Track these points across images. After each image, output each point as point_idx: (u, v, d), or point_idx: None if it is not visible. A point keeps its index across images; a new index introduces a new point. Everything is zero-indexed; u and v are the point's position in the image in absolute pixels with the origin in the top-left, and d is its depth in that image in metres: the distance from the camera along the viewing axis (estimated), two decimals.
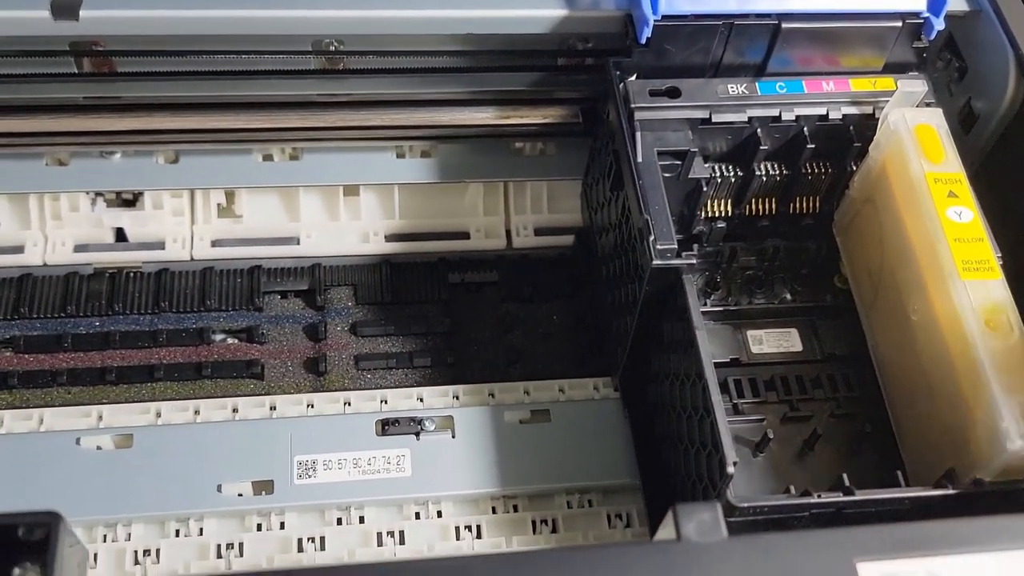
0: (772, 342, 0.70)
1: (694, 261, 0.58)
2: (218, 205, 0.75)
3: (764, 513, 0.54)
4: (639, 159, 0.63)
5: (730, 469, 0.52)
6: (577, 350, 0.74)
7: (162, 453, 0.63)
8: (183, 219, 0.74)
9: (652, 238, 0.58)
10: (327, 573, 0.49)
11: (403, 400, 0.68)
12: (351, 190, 0.76)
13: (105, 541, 0.61)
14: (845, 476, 0.55)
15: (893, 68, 0.68)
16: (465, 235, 0.78)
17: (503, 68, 0.72)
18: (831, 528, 0.44)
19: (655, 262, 0.57)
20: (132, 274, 0.73)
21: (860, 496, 0.53)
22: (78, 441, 0.63)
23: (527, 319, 0.75)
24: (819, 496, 0.53)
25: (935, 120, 0.63)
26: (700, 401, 0.56)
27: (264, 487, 0.63)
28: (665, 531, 0.45)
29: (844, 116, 0.66)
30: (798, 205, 0.70)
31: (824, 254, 0.72)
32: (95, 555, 0.60)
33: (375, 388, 0.69)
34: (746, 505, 0.53)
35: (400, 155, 0.77)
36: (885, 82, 0.67)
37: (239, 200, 0.75)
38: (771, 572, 0.43)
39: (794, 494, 0.54)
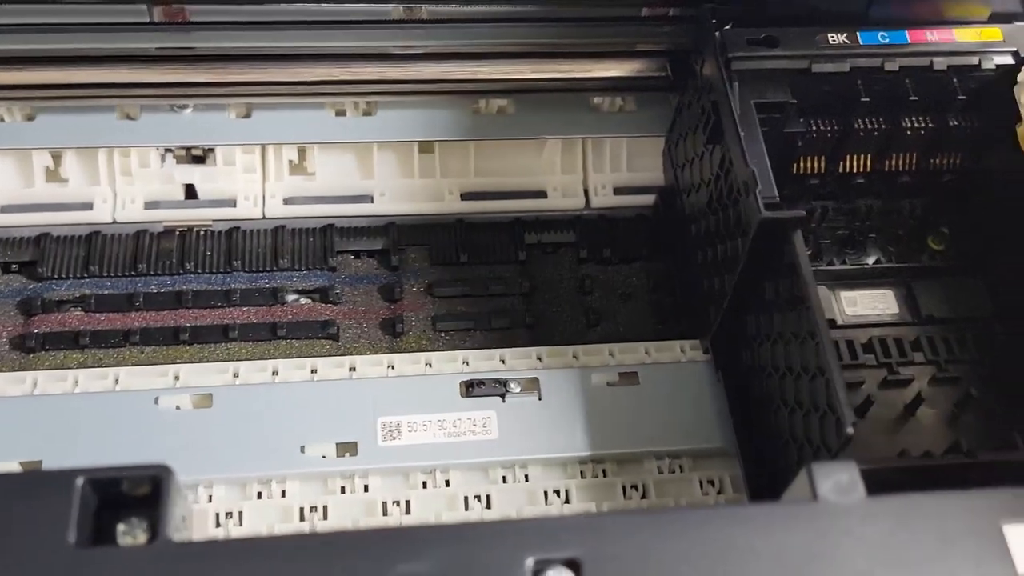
0: (867, 304, 0.67)
1: (803, 213, 0.56)
2: (290, 162, 0.73)
3: (878, 477, 0.52)
4: (737, 111, 0.60)
5: (849, 430, 0.49)
6: (658, 313, 0.71)
7: (243, 413, 0.61)
8: (255, 176, 0.72)
9: (760, 189, 0.55)
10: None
11: (485, 361, 0.65)
12: (426, 147, 0.74)
13: (186, 502, 0.59)
14: (962, 440, 0.53)
15: (999, 18, 0.65)
16: (542, 194, 0.75)
17: (583, 19, 0.69)
18: (976, 489, 0.41)
19: (764, 214, 0.55)
20: (203, 232, 0.71)
21: (983, 459, 0.51)
22: (157, 400, 0.61)
23: (606, 281, 0.73)
24: (941, 458, 0.51)
25: None
26: (812, 361, 0.53)
27: (348, 449, 0.61)
28: (797, 491, 0.43)
29: (949, 67, 0.63)
30: (895, 162, 0.68)
31: (919, 214, 0.69)
32: None
33: (455, 349, 0.67)
34: (866, 467, 0.50)
35: (476, 111, 0.74)
36: (991, 32, 0.65)
37: (311, 157, 0.73)
38: (913, 533, 0.41)
39: (913, 456, 0.52)
